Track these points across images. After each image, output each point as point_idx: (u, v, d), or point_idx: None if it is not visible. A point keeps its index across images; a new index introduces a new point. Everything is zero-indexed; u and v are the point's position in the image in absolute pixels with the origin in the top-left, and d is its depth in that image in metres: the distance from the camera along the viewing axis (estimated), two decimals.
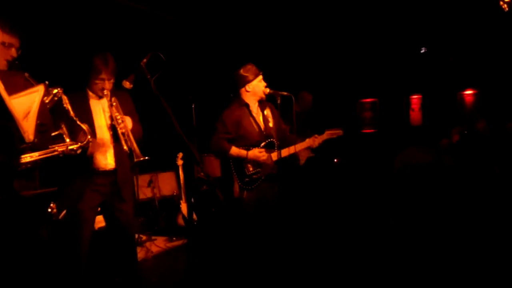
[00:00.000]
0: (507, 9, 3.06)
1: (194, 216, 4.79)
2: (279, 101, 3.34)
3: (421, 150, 5.12)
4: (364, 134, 7.62)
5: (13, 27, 2.26)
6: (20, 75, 2.24)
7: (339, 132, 3.67)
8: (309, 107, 5.89)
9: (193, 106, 4.87)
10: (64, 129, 2.35)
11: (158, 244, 4.55)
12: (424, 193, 4.49)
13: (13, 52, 2.26)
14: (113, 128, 2.89)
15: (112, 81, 2.88)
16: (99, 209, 3.08)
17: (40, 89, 2.18)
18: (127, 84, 2.75)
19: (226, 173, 3.43)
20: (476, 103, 7.00)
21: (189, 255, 4.00)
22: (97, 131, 2.88)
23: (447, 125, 5.64)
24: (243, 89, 3.41)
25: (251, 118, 3.42)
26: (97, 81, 2.84)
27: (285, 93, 3.34)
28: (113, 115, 2.87)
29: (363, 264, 3.77)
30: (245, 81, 3.39)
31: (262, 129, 3.43)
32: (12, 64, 2.26)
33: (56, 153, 2.24)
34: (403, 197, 4.61)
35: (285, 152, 3.43)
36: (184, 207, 4.92)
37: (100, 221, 3.55)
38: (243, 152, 3.34)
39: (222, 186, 3.46)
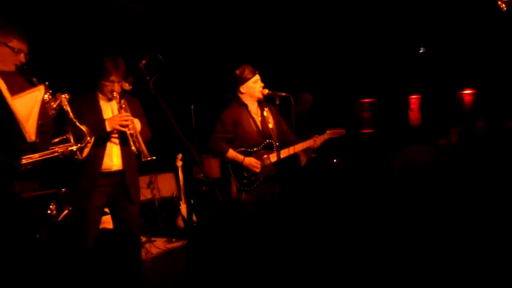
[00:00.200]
0: (505, 8, 3.06)
1: (194, 217, 4.79)
2: (277, 102, 3.34)
3: (421, 150, 5.14)
4: (363, 134, 7.63)
5: (22, 34, 2.30)
6: (17, 75, 2.25)
7: (341, 131, 3.66)
8: (309, 108, 5.90)
9: (192, 107, 4.87)
10: (71, 133, 2.37)
11: (158, 245, 4.54)
12: (424, 193, 4.50)
13: (22, 57, 2.30)
14: (121, 130, 2.90)
15: (121, 83, 2.90)
16: (105, 209, 3.09)
17: (41, 89, 2.19)
18: (126, 86, 2.76)
19: (225, 174, 3.44)
20: (474, 102, 7.02)
21: (189, 256, 4.00)
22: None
23: (446, 125, 5.66)
24: (239, 90, 3.43)
25: (250, 118, 3.42)
26: (107, 83, 2.87)
27: (283, 94, 3.34)
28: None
29: (362, 264, 3.78)
30: (240, 82, 3.41)
31: (261, 130, 3.43)
32: (21, 69, 2.28)
33: (56, 154, 2.24)
34: (403, 196, 4.62)
35: (284, 153, 3.43)
36: (183, 208, 4.92)
37: (103, 222, 3.56)
38: (239, 157, 3.34)
39: (222, 187, 3.46)
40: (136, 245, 3.16)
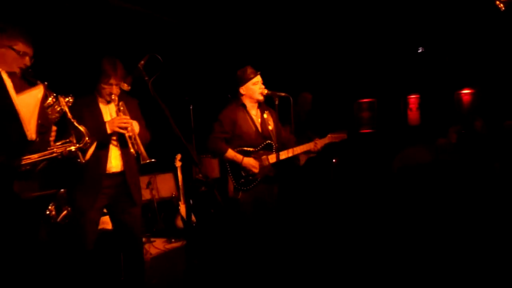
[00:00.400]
0: (503, 8, 3.06)
1: (193, 218, 4.79)
2: (277, 102, 3.34)
3: (420, 151, 5.14)
4: (362, 134, 7.63)
5: (28, 37, 2.31)
6: (16, 76, 2.26)
7: (343, 136, 3.63)
8: (309, 107, 5.91)
9: (191, 107, 4.87)
10: (74, 136, 2.38)
11: (157, 245, 4.54)
12: (423, 192, 4.50)
13: (27, 60, 2.31)
14: (120, 132, 2.90)
15: (119, 86, 2.89)
16: (104, 210, 3.09)
17: (40, 88, 2.20)
18: (125, 86, 2.76)
19: (223, 173, 3.44)
20: (473, 102, 7.02)
21: (188, 256, 4.00)
22: None
23: (445, 124, 5.66)
24: (238, 90, 3.43)
25: (248, 119, 3.42)
26: (105, 86, 2.87)
27: (283, 94, 3.34)
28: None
29: (362, 264, 3.78)
30: (240, 83, 3.42)
31: (260, 131, 3.43)
32: (26, 72, 2.28)
33: (54, 154, 2.25)
34: (402, 196, 4.62)
35: (283, 155, 3.42)
36: (182, 208, 4.92)
37: (103, 222, 3.56)
38: (238, 157, 3.34)
39: (221, 187, 3.46)
40: (139, 246, 3.16)
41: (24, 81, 2.27)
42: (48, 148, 2.24)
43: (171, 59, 3.67)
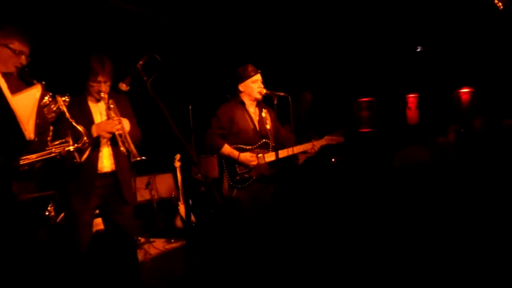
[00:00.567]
0: (502, 7, 3.06)
1: (192, 218, 4.78)
2: (275, 101, 3.34)
3: (419, 150, 5.13)
4: (362, 133, 7.64)
5: (25, 35, 2.31)
6: (13, 76, 2.25)
7: (340, 138, 3.60)
8: (308, 107, 5.91)
9: (190, 107, 4.87)
10: (70, 136, 2.37)
11: (157, 246, 4.53)
12: (422, 191, 4.50)
13: (23, 59, 2.30)
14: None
15: (109, 83, 2.88)
16: (97, 211, 3.06)
17: (38, 88, 2.20)
18: (123, 86, 2.74)
19: (220, 171, 3.42)
20: (472, 101, 7.03)
21: (188, 256, 3.99)
22: None
23: (444, 123, 5.67)
24: (237, 87, 3.43)
25: (246, 116, 3.41)
26: (94, 84, 2.83)
27: (281, 94, 3.34)
28: (110, 117, 2.86)
29: (361, 264, 3.78)
30: (239, 80, 3.40)
31: (258, 129, 3.42)
32: (21, 71, 2.28)
33: (53, 154, 2.24)
34: (401, 195, 4.62)
35: (281, 154, 3.40)
36: (182, 208, 4.91)
37: (98, 224, 3.55)
38: (235, 153, 3.31)
39: (219, 187, 3.44)
40: (133, 247, 3.12)
41: (22, 81, 2.27)
42: (47, 148, 2.23)
43: (170, 59, 3.66)
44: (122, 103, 3.00)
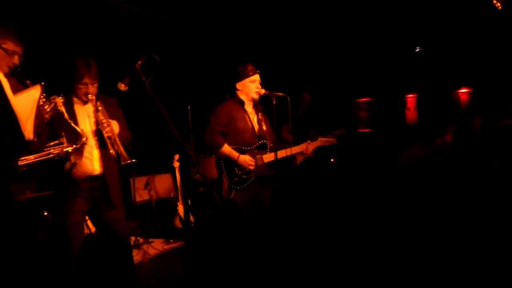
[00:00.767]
0: (500, 7, 3.07)
1: (191, 218, 4.78)
2: (274, 102, 3.33)
3: (418, 150, 5.13)
4: (360, 133, 7.64)
5: (18, 36, 2.30)
6: (11, 77, 2.25)
7: (332, 140, 3.62)
8: (306, 107, 5.91)
9: (189, 107, 4.87)
10: (65, 137, 2.36)
11: (156, 246, 4.54)
12: (421, 191, 4.50)
13: (16, 59, 2.29)
14: (98, 133, 2.83)
15: (96, 85, 2.83)
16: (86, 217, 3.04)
17: (37, 89, 2.19)
18: (122, 87, 2.72)
19: (219, 172, 3.41)
20: (471, 101, 7.04)
21: (187, 256, 4.00)
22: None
23: (443, 123, 5.67)
24: (235, 85, 3.42)
25: (245, 116, 3.39)
26: (80, 86, 2.78)
27: (280, 94, 3.33)
28: (99, 120, 2.80)
29: (360, 264, 3.78)
30: (238, 78, 3.40)
31: (256, 130, 3.42)
32: (14, 71, 2.27)
33: (51, 155, 2.24)
34: (401, 195, 4.62)
35: (281, 154, 3.39)
36: (181, 208, 4.92)
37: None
38: (234, 153, 3.30)
39: (218, 188, 3.43)
40: (126, 249, 3.07)
41: (20, 83, 2.26)
42: (45, 149, 2.23)
43: (169, 60, 3.66)
44: (110, 104, 2.93)
